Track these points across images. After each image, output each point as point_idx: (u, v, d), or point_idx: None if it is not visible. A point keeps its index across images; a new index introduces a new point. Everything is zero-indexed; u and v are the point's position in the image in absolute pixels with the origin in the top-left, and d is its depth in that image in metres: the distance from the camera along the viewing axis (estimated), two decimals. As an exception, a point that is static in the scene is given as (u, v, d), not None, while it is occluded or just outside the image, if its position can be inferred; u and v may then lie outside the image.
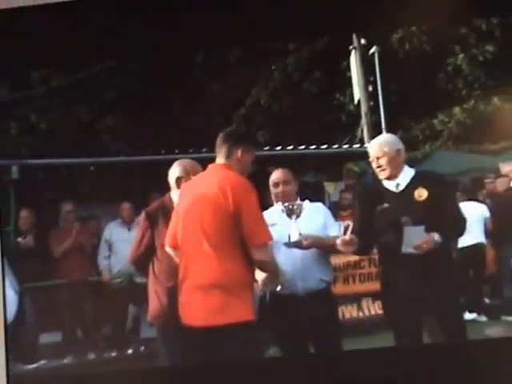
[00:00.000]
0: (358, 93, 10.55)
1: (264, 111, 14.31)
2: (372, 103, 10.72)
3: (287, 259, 3.79)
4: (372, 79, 11.38)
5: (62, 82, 13.84)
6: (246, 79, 14.79)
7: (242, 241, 3.18)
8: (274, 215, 4.04)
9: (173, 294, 3.63)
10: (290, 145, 9.31)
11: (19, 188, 6.60)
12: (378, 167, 3.75)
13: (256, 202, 3.18)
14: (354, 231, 3.93)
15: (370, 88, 10.65)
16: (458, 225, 3.93)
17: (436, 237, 3.58)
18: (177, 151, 8.02)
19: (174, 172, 3.86)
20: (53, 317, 6.58)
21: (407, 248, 3.53)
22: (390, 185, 3.71)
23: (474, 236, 6.98)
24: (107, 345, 6.68)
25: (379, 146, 3.76)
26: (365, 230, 3.78)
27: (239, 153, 3.32)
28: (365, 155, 10.19)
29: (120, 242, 6.28)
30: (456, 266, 7.16)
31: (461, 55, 11.88)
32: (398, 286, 3.62)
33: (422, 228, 3.54)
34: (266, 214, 4.01)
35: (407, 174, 3.76)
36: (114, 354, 6.51)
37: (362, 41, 10.39)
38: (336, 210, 7.60)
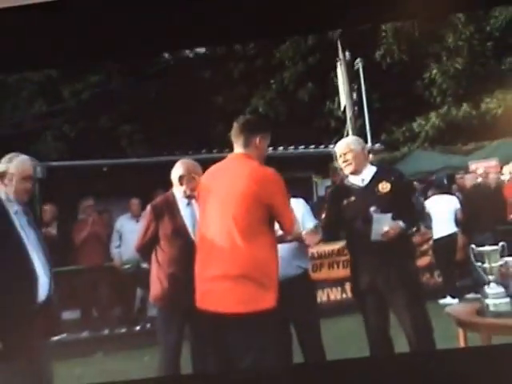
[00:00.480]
0: (343, 100, 10.40)
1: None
2: (356, 109, 10.59)
3: None
4: (357, 88, 11.25)
5: (89, 96, 13.91)
6: (246, 90, 14.87)
7: (270, 229, 2.89)
8: None
9: (174, 279, 3.42)
10: (284, 146, 9.22)
11: (43, 186, 6.53)
12: (344, 162, 3.60)
13: (286, 194, 2.92)
14: (324, 223, 3.81)
15: (355, 96, 10.50)
16: (418, 213, 3.84)
17: (401, 223, 3.43)
18: (177, 153, 7.91)
19: (178, 171, 3.67)
20: (73, 297, 6.49)
21: (376, 236, 3.37)
22: (355, 180, 3.57)
23: (448, 226, 6.80)
24: (119, 322, 6.56)
25: (346, 144, 3.63)
26: (332, 221, 3.64)
27: (257, 140, 3.01)
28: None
29: (129, 232, 6.11)
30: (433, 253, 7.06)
31: (434, 69, 11.79)
32: (366, 272, 3.45)
33: (389, 215, 3.39)
34: None
35: (370, 170, 3.60)
36: (124, 330, 6.38)
37: (347, 54, 10.25)
38: (322, 203, 7.49)
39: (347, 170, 3.58)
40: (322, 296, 6.75)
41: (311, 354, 3.56)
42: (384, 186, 3.52)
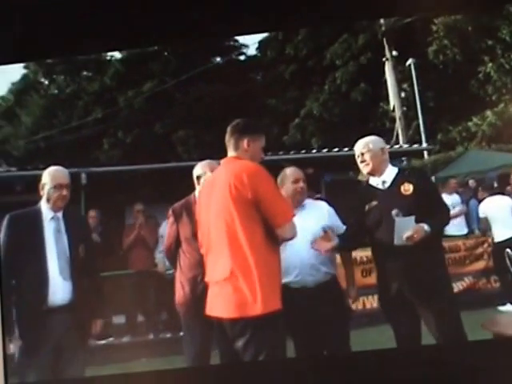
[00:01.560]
0: (392, 100, 10.34)
1: (316, 120, 14.44)
2: (406, 109, 10.50)
3: (295, 256, 3.67)
4: (410, 87, 11.14)
5: (142, 103, 14.46)
6: (299, 92, 15.00)
7: (266, 229, 2.82)
8: None
9: (194, 283, 3.52)
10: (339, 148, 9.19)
11: (88, 192, 6.85)
12: (362, 162, 3.58)
13: (272, 184, 2.87)
14: (348, 229, 3.83)
15: (403, 95, 10.42)
16: (444, 215, 3.75)
17: (425, 227, 3.40)
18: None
19: (195, 171, 3.79)
20: (119, 302, 6.76)
21: (399, 240, 3.35)
22: (376, 182, 3.56)
23: (508, 228, 6.62)
24: (164, 327, 6.77)
25: (364, 143, 3.58)
26: (355, 227, 3.64)
27: (245, 143, 3.11)
28: (397, 155, 10.07)
29: None
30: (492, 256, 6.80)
31: (489, 64, 11.47)
32: (392, 279, 3.43)
33: (412, 218, 3.36)
34: None
35: (391, 171, 3.56)
36: (168, 336, 6.60)
37: (394, 53, 10.19)
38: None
39: (365, 170, 3.53)
40: (372, 302, 6.65)
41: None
42: (406, 188, 3.45)
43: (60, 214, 3.19)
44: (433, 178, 8.44)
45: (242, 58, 15.74)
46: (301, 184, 3.67)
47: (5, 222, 3.16)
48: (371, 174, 3.49)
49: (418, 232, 3.28)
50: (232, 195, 2.80)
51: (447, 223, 3.60)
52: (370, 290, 6.63)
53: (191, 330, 3.54)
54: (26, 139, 14.61)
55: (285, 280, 3.48)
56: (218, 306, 2.87)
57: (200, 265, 3.35)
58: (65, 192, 3.21)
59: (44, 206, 3.18)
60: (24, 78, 15.83)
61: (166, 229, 6.66)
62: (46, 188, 3.18)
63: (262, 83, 15.45)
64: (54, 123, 14.50)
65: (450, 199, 7.20)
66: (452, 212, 6.72)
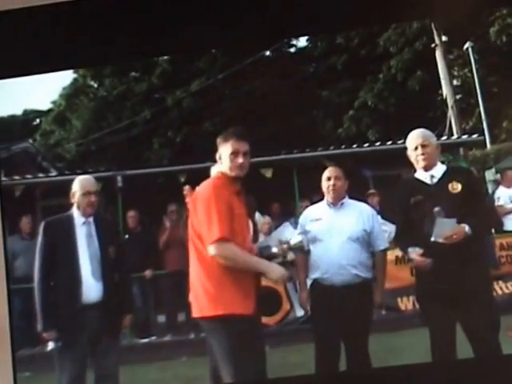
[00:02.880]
0: (444, 88, 10.02)
1: (371, 111, 14.18)
2: (458, 96, 10.11)
3: (324, 254, 3.79)
4: (469, 74, 10.73)
5: (191, 102, 14.69)
6: (354, 83, 14.77)
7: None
8: (320, 210, 4.01)
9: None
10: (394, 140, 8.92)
11: (125, 193, 7.01)
12: (422, 155, 3.56)
13: (206, 204, 3.00)
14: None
15: (456, 82, 10.05)
16: (490, 219, 3.70)
17: (466, 228, 3.32)
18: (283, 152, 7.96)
19: None
20: (159, 301, 6.97)
21: (437, 237, 3.31)
22: (424, 177, 3.54)
23: None
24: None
25: (426, 136, 3.61)
26: (400, 223, 3.65)
27: (217, 155, 3.29)
28: (452, 146, 9.71)
29: None
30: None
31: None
32: (430, 278, 3.41)
33: (454, 220, 3.31)
34: (312, 208, 4.04)
35: (440, 168, 3.58)
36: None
37: (444, 38, 9.86)
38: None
39: (421, 164, 3.59)
40: None
41: (355, 362, 3.65)
42: (455, 187, 3.52)
43: (91, 219, 3.67)
44: (492, 170, 8.13)
45: (293, 50, 15.68)
46: (332, 182, 3.84)
47: (41, 228, 3.68)
48: (425, 168, 3.54)
49: (457, 233, 3.33)
50: (191, 211, 3.23)
51: (493, 227, 3.61)
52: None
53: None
54: (76, 142, 15.18)
55: (314, 276, 3.66)
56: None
57: None
58: (93, 198, 3.73)
59: (75, 212, 3.69)
60: (74, 82, 16.47)
61: None
62: (77, 196, 3.70)
63: (314, 75, 15.32)
64: (104, 125, 14.97)
65: (508, 192, 6.95)
66: (510, 206, 6.46)
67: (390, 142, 8.25)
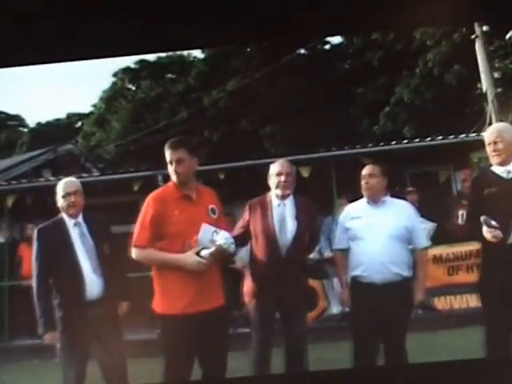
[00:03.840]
0: (484, 81, 9.91)
1: (407, 107, 14.15)
2: (500, 89, 10.01)
3: (364, 252, 3.80)
4: (511, 65, 10.65)
5: (227, 101, 14.93)
6: (390, 79, 14.79)
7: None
8: (360, 208, 4.01)
9: (258, 276, 3.79)
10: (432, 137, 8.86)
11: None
12: (494, 151, 3.53)
13: (142, 212, 3.22)
14: (466, 216, 3.82)
15: (497, 74, 9.93)
16: None
17: None
18: (322, 150, 8.00)
19: (272, 170, 4.08)
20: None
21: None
22: (500, 171, 3.51)
23: None
24: (244, 322, 6.98)
25: (498, 132, 3.51)
26: (473, 214, 3.59)
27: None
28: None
29: None
30: None
31: None
32: (497, 278, 3.37)
33: None
34: (351, 206, 3.99)
35: None
36: (248, 330, 6.75)
37: (484, 28, 9.70)
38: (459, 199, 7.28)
39: (495, 160, 3.47)
40: (459, 303, 6.63)
41: (393, 360, 3.71)
42: None
43: (81, 219, 3.65)
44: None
45: (327, 47, 15.77)
46: (369, 179, 3.81)
47: (35, 235, 3.67)
48: (500, 164, 3.45)
49: None
50: None
51: None
52: (457, 289, 6.52)
53: (254, 319, 3.82)
54: (116, 143, 15.64)
55: (354, 273, 3.68)
56: None
57: (262, 258, 3.77)
58: (73, 199, 3.63)
59: (63, 214, 3.65)
60: (113, 85, 17.02)
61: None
62: (58, 198, 3.66)
63: (350, 72, 15.39)
64: (142, 126, 15.39)
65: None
66: None
67: (428, 139, 8.17)
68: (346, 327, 5.89)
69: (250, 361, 3.84)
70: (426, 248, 3.85)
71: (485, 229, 3.21)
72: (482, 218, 3.18)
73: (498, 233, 3.14)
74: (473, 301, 6.42)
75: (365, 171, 3.80)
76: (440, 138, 8.17)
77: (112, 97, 16.86)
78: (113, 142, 15.88)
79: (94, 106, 17.80)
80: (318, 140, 12.97)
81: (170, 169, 3.19)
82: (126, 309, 3.73)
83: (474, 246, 6.13)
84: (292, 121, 14.53)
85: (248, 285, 3.87)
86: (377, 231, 3.64)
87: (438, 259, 6.63)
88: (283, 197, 3.81)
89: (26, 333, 7.16)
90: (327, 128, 14.32)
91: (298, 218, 3.82)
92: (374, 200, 3.74)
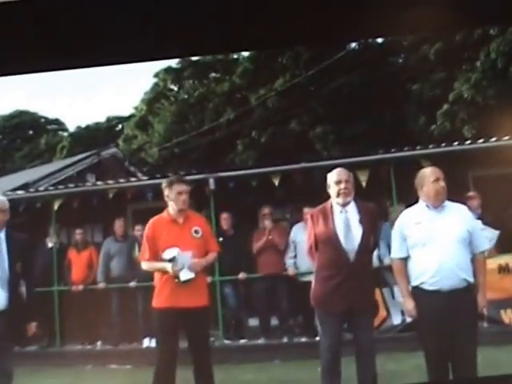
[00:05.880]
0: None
1: (467, 105, 13.90)
2: None
3: (430, 258, 3.84)
4: None
5: (275, 100, 15.01)
6: (448, 74, 14.55)
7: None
8: (419, 213, 4.05)
9: (324, 282, 4.04)
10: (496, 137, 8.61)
11: (217, 196, 7.34)
12: None
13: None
14: None
15: None
16: None
17: None
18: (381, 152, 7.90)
19: (330, 178, 4.28)
20: (252, 305, 7.28)
21: None
22: None
23: None
24: (300, 331, 7.05)
25: None
26: None
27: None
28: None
29: (303, 242, 6.39)
30: None
31: None
32: None
33: None
34: (409, 211, 4.03)
35: None
36: (303, 340, 6.92)
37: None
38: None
39: None
40: None
41: (462, 368, 3.73)
42: None
43: (2, 235, 4.18)
44: None
45: (380, 40, 15.63)
46: (441, 183, 3.87)
47: None
48: None
49: None
50: None
51: None
52: None
53: (322, 325, 4.07)
54: (159, 146, 15.92)
55: (418, 281, 3.74)
56: None
57: (329, 265, 4.02)
58: None
59: None
60: (154, 86, 17.34)
61: (297, 234, 7.08)
62: None
63: (404, 67, 15.26)
64: (186, 128, 15.62)
65: None
66: None
67: (493, 139, 7.98)
68: (406, 338, 6.00)
69: (320, 369, 3.99)
70: (484, 252, 3.88)
71: None
72: None
73: None
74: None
75: (436, 174, 3.84)
76: (506, 138, 8.01)
77: (154, 98, 17.16)
78: (156, 144, 16.15)
79: (135, 108, 18.14)
80: (371, 141, 12.98)
81: (177, 199, 4.24)
82: (34, 330, 4.36)
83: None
84: (344, 121, 14.51)
85: (317, 291, 4.10)
86: (442, 237, 3.71)
87: (504, 269, 6.56)
88: (345, 204, 4.02)
89: (77, 338, 7.52)
90: (381, 128, 14.25)
91: (362, 222, 4.01)
92: (436, 205, 3.79)
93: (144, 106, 17.40)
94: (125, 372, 6.60)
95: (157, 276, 4.30)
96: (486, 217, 6.43)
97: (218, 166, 10.84)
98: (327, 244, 4.05)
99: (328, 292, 3.99)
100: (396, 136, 13.15)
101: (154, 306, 4.25)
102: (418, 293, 3.77)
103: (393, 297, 6.71)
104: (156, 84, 17.34)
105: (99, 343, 7.58)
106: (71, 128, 21.54)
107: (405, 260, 3.88)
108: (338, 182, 4.06)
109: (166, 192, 4.31)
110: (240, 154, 15.42)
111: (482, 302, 3.84)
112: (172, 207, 4.30)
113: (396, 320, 6.74)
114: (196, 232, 4.32)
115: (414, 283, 3.80)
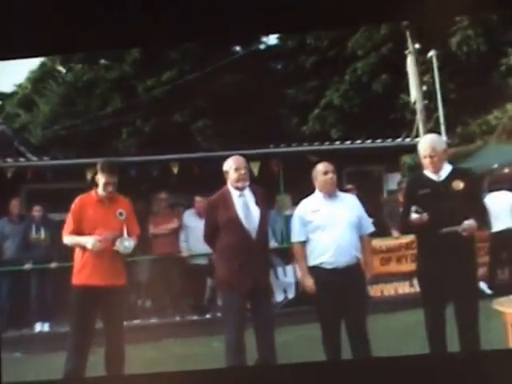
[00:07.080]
0: (413, 92, 11.11)
1: (336, 111, 15.14)
2: (427, 101, 11.27)
3: (328, 240, 4.27)
4: (431, 79, 11.89)
5: (162, 92, 15.22)
6: (321, 83, 15.75)
7: None
8: (316, 202, 4.53)
9: (229, 264, 4.15)
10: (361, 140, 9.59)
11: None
12: (430, 164, 4.19)
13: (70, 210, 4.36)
14: (402, 212, 4.50)
15: (425, 87, 11.21)
16: (484, 213, 4.50)
17: (474, 222, 3.83)
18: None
19: (227, 165, 4.51)
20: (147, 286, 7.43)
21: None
22: (432, 175, 4.21)
23: (503, 221, 7.29)
24: (190, 310, 7.32)
25: (431, 146, 4.13)
26: (407, 211, 4.29)
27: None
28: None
29: (194, 227, 6.60)
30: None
31: (512, 56, 12.07)
32: (432, 264, 4.11)
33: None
34: (306, 201, 4.52)
35: (447, 168, 4.16)
36: (195, 318, 7.14)
37: (417, 45, 10.93)
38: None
39: (428, 169, 4.24)
40: (390, 290, 7.54)
41: (356, 344, 4.10)
42: (458, 185, 4.16)
43: None
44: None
45: (263, 47, 16.35)
46: (330, 175, 4.44)
47: None
48: (434, 172, 4.22)
49: (471, 227, 3.76)
50: None
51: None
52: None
53: (227, 304, 4.26)
54: (44, 127, 15.47)
55: (318, 261, 4.28)
56: None
57: (232, 247, 4.17)
58: None
59: None
60: (41, 66, 16.71)
61: (189, 219, 7.41)
62: None
63: (283, 73, 16.08)
64: (73, 111, 15.34)
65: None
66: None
67: (368, 141, 8.97)
68: (288, 313, 6.60)
69: (225, 346, 4.11)
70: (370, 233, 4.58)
71: (414, 215, 4.05)
72: (413, 208, 4.04)
73: (425, 215, 4.00)
74: (402, 288, 7.45)
75: (324, 168, 4.43)
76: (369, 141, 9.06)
77: (40, 78, 16.57)
78: (40, 125, 15.69)
79: (19, 86, 17.41)
80: (247, 137, 13.56)
81: (103, 183, 4.26)
82: None
83: (403, 240, 7.17)
84: (223, 117, 15.03)
85: (222, 272, 4.23)
86: (337, 221, 4.23)
87: (372, 251, 7.47)
88: (243, 188, 4.27)
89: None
90: (257, 126, 14.91)
91: (257, 203, 4.27)
92: (330, 194, 4.39)
93: (29, 85, 16.78)
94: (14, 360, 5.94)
95: (78, 253, 4.29)
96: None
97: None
98: (230, 226, 4.20)
99: (233, 272, 4.12)
100: (270, 134, 13.83)
101: (75, 283, 4.25)
102: (317, 271, 4.12)
103: (276, 277, 7.28)
104: (43, 63, 16.72)
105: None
106: None
107: (304, 243, 4.23)
108: (238, 169, 4.27)
109: (98, 174, 4.37)
110: (123, 142, 15.47)
111: (369, 273, 4.49)
112: (100, 189, 4.35)
113: (279, 298, 7.33)
114: (120, 214, 4.38)
115: (313, 263, 4.16)
